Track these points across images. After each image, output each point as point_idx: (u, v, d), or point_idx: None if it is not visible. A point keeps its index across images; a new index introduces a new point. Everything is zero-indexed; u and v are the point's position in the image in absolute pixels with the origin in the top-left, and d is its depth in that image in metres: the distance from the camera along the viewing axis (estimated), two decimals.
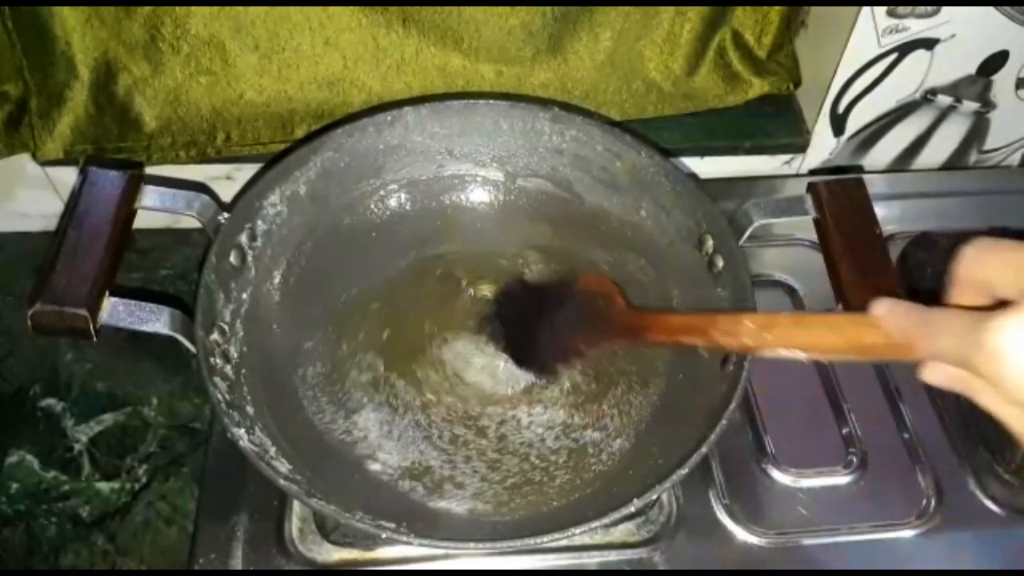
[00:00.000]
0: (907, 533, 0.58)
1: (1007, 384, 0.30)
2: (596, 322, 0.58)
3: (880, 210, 0.56)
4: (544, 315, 0.60)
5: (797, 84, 0.75)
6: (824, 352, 0.44)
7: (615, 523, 0.56)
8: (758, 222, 0.57)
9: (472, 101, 0.64)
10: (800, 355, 0.44)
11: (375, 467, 0.57)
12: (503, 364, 0.61)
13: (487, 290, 0.65)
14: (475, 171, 0.67)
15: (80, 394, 0.64)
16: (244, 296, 0.58)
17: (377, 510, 0.49)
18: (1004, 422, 0.33)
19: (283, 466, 0.51)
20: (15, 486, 0.60)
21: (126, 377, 0.65)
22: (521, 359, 0.60)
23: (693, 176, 0.74)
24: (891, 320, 0.38)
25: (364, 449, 0.58)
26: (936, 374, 0.36)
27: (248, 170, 0.69)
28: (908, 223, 0.74)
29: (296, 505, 0.57)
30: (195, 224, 0.56)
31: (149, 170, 0.68)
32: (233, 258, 0.57)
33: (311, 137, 0.62)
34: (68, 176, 0.69)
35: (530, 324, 0.60)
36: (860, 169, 0.79)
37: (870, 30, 0.66)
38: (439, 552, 0.54)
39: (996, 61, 0.70)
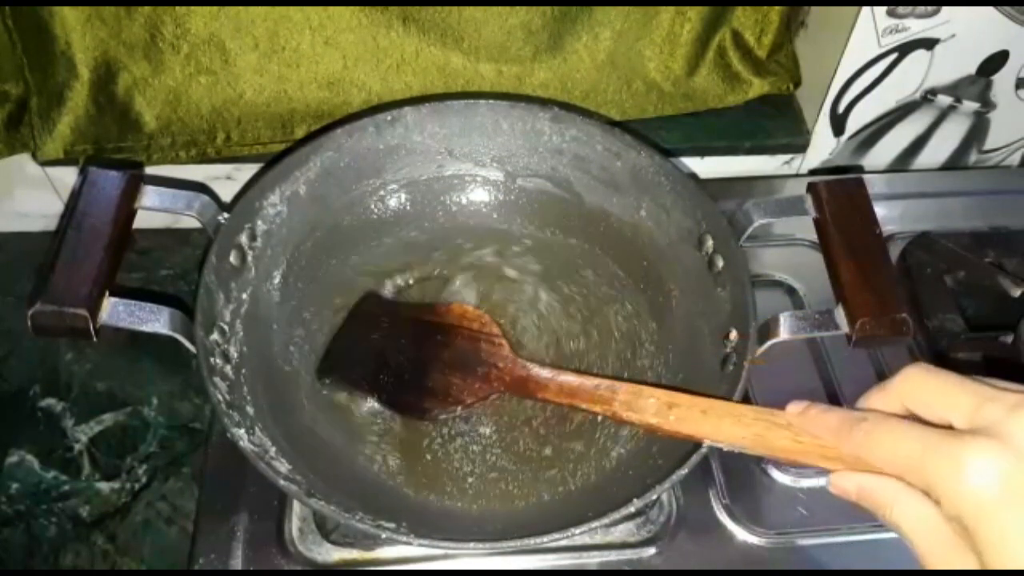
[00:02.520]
0: None
1: (985, 510, 0.30)
2: (479, 369, 0.54)
3: (880, 210, 0.56)
4: (414, 350, 0.55)
5: (797, 84, 0.75)
6: (732, 443, 0.42)
7: (615, 523, 0.56)
8: (758, 222, 0.57)
9: (472, 101, 0.63)
10: (707, 442, 0.43)
11: (375, 467, 0.57)
12: None
13: (486, 291, 0.65)
14: (475, 171, 0.67)
15: (80, 394, 0.64)
16: (244, 296, 0.58)
17: (377, 510, 0.49)
18: (913, 541, 0.33)
19: (283, 466, 0.51)
20: (15, 486, 0.60)
21: (126, 377, 0.65)
22: (389, 400, 0.56)
23: (693, 176, 0.74)
24: (815, 420, 0.37)
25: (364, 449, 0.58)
26: (848, 483, 0.36)
27: (248, 170, 0.69)
28: (908, 223, 0.74)
29: (296, 505, 0.57)
30: (195, 224, 0.56)
31: (149, 170, 0.68)
32: (233, 258, 0.56)
33: (311, 137, 0.62)
34: (68, 176, 0.69)
35: (395, 359, 0.55)
36: (860, 169, 0.79)
37: (870, 30, 0.66)
38: (439, 552, 0.54)
39: (996, 61, 0.70)
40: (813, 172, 0.79)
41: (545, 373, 0.53)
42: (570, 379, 0.51)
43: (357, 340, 0.59)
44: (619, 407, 0.47)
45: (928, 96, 0.73)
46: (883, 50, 0.68)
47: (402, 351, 0.57)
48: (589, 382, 0.50)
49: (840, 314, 0.52)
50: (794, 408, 0.39)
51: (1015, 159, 0.81)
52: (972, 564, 0.30)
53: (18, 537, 0.57)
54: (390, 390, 0.57)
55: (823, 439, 0.37)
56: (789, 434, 0.39)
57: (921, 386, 0.34)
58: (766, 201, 0.58)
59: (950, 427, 0.32)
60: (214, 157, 0.69)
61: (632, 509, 0.47)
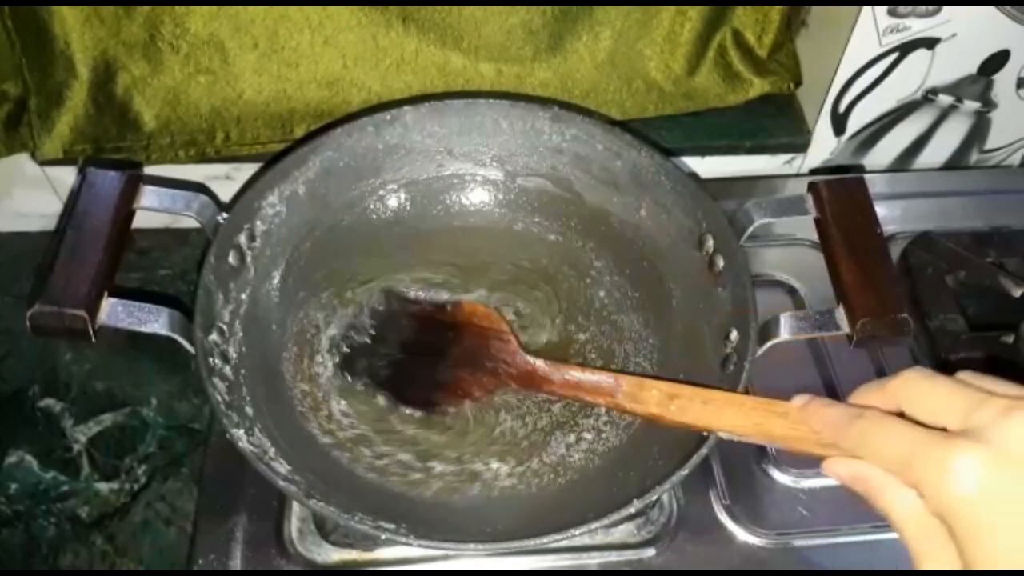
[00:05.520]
0: None
1: (965, 510, 0.31)
2: (487, 364, 0.56)
3: (881, 210, 0.56)
4: (426, 347, 0.58)
5: (798, 83, 0.75)
6: (733, 432, 0.44)
7: (615, 524, 0.56)
8: (758, 222, 0.57)
9: (472, 100, 0.63)
10: (710, 432, 0.45)
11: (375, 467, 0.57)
12: None
13: (485, 292, 0.65)
14: (475, 171, 0.67)
15: (79, 394, 0.64)
16: (243, 296, 0.57)
17: (377, 510, 0.49)
18: (901, 532, 0.34)
19: (282, 467, 0.50)
20: (14, 486, 0.60)
21: (125, 377, 0.65)
22: (400, 394, 0.58)
23: (693, 176, 0.74)
24: (815, 413, 0.39)
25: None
26: (843, 468, 0.37)
27: (247, 170, 0.69)
28: (909, 223, 0.73)
29: (295, 506, 0.57)
30: (194, 224, 0.55)
31: (148, 170, 0.68)
32: (232, 258, 0.56)
33: (310, 137, 0.62)
34: (67, 176, 0.69)
35: (409, 355, 0.58)
36: (861, 169, 0.79)
37: (871, 29, 0.66)
38: (439, 553, 0.54)
39: (997, 60, 0.70)
40: (814, 172, 0.79)
41: (550, 368, 0.54)
42: (574, 374, 0.53)
43: (377, 337, 0.61)
44: (622, 399, 0.49)
45: (929, 96, 0.73)
46: (884, 49, 0.68)
47: (417, 348, 0.59)
48: (592, 376, 0.52)
49: (841, 314, 0.52)
50: (798, 401, 0.41)
51: (1016, 159, 0.81)
52: (955, 556, 0.32)
53: (17, 537, 0.57)
54: (403, 386, 0.58)
55: (821, 432, 0.39)
56: (787, 423, 0.41)
57: (918, 390, 0.35)
58: (767, 201, 0.58)
59: (944, 430, 0.33)
60: (213, 157, 0.68)
61: (632, 510, 0.47)
